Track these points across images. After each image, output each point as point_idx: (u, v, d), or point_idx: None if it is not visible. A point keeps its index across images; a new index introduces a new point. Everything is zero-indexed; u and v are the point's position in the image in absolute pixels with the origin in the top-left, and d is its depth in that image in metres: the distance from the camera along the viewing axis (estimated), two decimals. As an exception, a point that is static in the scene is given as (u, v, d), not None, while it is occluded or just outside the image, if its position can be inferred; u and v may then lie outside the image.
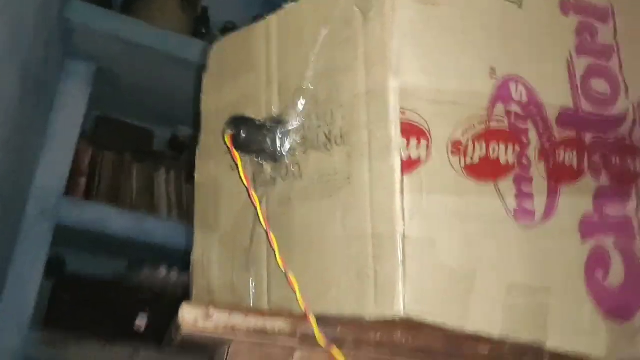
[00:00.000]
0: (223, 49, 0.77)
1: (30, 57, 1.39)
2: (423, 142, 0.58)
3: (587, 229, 0.68)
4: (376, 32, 0.60)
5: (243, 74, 0.73)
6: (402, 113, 0.58)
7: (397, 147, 0.57)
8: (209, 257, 0.73)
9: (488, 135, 0.62)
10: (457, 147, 0.60)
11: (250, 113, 0.69)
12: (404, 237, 0.56)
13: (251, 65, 0.72)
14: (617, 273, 0.70)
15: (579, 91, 0.72)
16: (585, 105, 0.72)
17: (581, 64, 0.73)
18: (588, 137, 0.71)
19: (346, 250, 0.59)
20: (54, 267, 1.82)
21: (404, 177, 0.57)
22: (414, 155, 0.58)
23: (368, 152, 0.59)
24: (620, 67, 0.77)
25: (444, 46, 0.62)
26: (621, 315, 0.69)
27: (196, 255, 0.75)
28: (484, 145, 0.62)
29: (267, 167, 0.67)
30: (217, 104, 0.76)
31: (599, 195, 0.71)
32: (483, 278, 0.59)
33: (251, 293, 0.67)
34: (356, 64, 0.61)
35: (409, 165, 0.57)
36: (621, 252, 0.71)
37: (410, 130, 0.58)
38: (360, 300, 0.57)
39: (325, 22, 0.64)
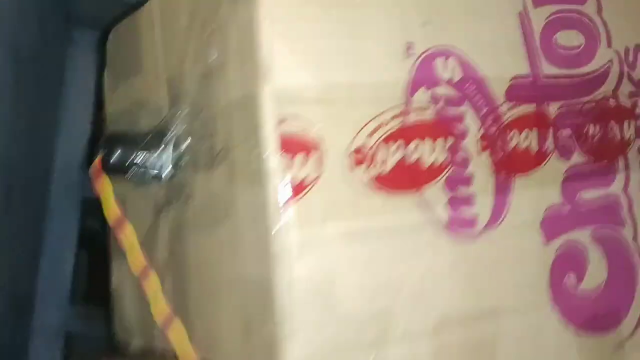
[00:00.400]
0: (117, 38, 0.66)
1: (18, 33, 1.32)
2: (313, 156, 0.47)
3: (552, 225, 0.56)
4: (246, 18, 0.47)
5: (134, 72, 0.62)
6: (282, 122, 0.46)
7: (274, 169, 0.45)
8: (124, 287, 0.64)
9: (405, 133, 0.50)
10: (361, 156, 0.48)
11: (143, 121, 0.59)
12: (289, 281, 0.45)
13: (140, 62, 0.61)
14: (596, 273, 0.58)
15: (539, 51, 0.58)
16: (548, 68, 0.58)
17: (541, 15, 0.59)
18: (553, 108, 0.58)
19: (231, 297, 0.49)
20: (88, 240, 1.80)
21: (288, 205, 0.45)
22: (301, 175, 0.46)
23: (245, 175, 0.47)
24: (599, 9, 0.63)
25: (337, 29, 0.49)
26: (602, 325, 0.57)
27: (114, 284, 0.66)
28: (399, 146, 0.50)
29: (161, 189, 0.57)
30: (116, 107, 0.65)
31: (571, 179, 0.58)
32: (402, 316, 0.48)
33: (157, 334, 0.58)
34: (229, 62, 0.49)
35: (297, 189, 0.46)
36: (603, 244, 0.58)
37: (295, 143, 0.46)
38: (246, 362, 0.47)
39: (196, 7, 0.53)
